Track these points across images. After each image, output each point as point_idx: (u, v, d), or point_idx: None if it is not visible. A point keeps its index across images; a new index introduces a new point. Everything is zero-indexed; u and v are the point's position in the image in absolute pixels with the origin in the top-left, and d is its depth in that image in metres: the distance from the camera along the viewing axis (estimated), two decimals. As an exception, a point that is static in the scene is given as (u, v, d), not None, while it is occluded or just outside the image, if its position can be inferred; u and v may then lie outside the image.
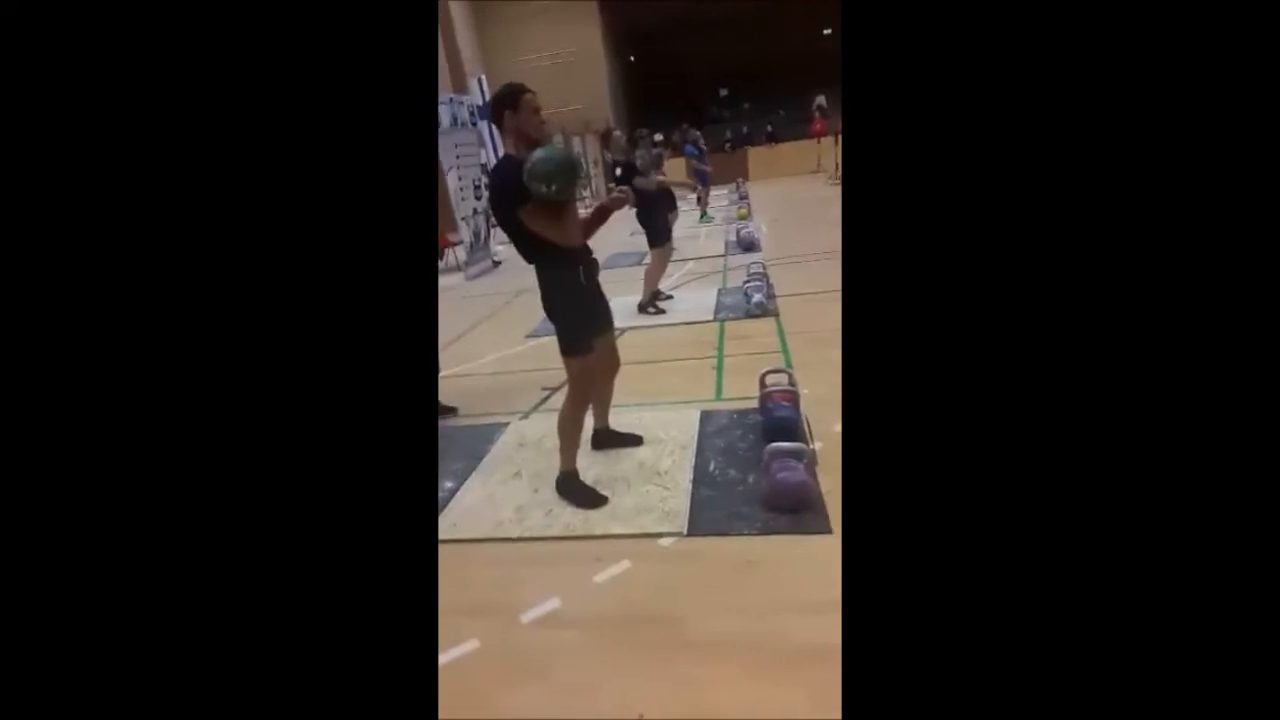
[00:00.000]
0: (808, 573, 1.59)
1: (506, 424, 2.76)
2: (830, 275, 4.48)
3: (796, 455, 1.89)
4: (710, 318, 3.96)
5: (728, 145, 15.40)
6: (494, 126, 1.94)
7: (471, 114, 7.26)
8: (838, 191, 8.40)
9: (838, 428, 2.24)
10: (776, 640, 1.41)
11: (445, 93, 7.68)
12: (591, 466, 2.21)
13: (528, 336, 4.11)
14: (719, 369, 3.11)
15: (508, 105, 1.79)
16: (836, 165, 10.94)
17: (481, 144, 7.69)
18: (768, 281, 4.22)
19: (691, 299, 4.48)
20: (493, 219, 7.36)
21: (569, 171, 1.65)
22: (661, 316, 4.14)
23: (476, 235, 6.96)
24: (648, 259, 4.43)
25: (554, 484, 2.10)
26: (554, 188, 1.64)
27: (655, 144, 5.31)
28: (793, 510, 1.83)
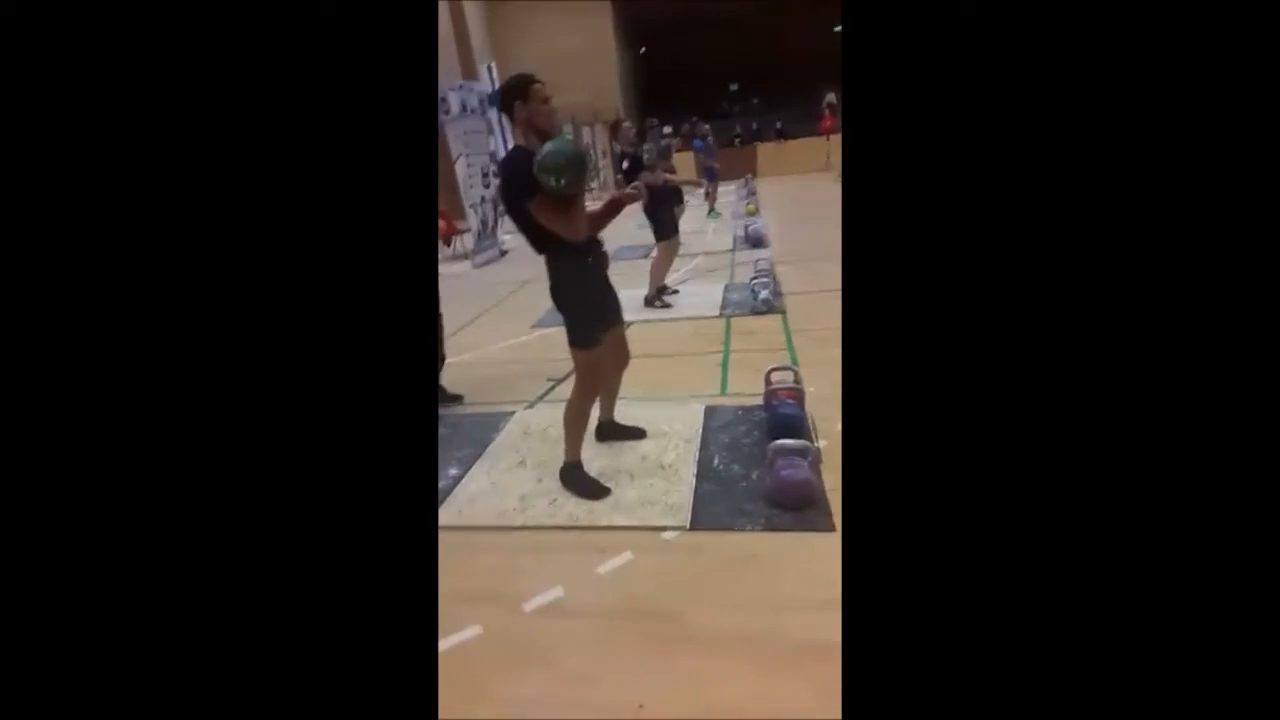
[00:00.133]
0: (811, 570, 1.60)
1: (512, 413, 2.77)
2: (837, 273, 4.47)
3: (801, 453, 1.89)
4: (716, 313, 3.96)
5: (737, 140, 15.35)
6: (504, 115, 1.94)
7: (481, 101, 7.24)
8: (847, 190, 8.33)
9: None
10: (778, 636, 1.41)
11: (455, 79, 7.66)
12: (596, 458, 2.21)
13: (534, 326, 4.12)
14: (724, 365, 3.11)
15: (518, 95, 1.79)
16: (846, 163, 10.84)
17: (490, 131, 7.67)
18: (775, 278, 4.22)
19: (698, 294, 4.47)
20: (501, 207, 7.36)
21: (578, 165, 1.66)
22: (667, 311, 4.14)
23: (484, 223, 6.95)
24: (654, 253, 4.42)
25: (558, 474, 2.11)
26: (563, 181, 1.64)
27: (664, 135, 5.29)
28: (796, 508, 1.83)
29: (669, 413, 2.55)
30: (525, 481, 2.18)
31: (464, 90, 6.94)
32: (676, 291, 4.50)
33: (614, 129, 4.29)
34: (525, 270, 5.73)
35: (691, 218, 6.65)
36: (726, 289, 4.51)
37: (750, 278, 4.21)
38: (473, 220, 6.76)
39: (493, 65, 8.41)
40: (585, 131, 13.01)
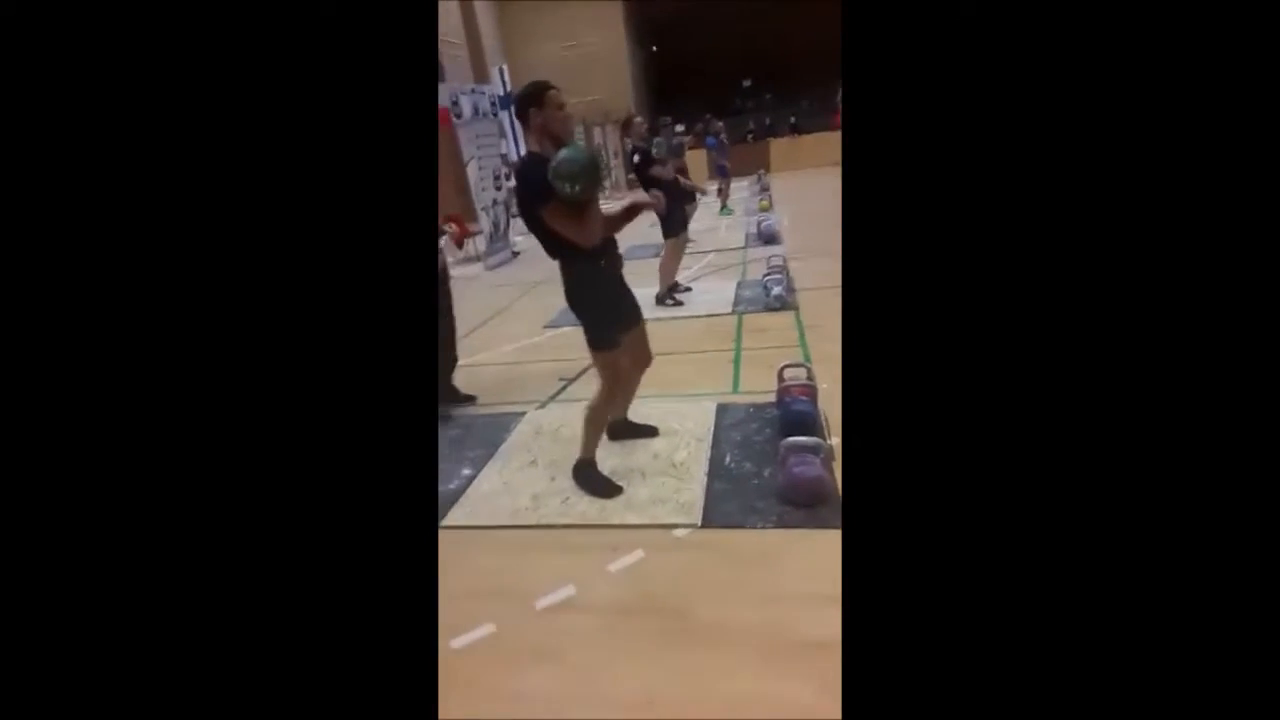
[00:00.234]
0: (822, 567, 1.59)
1: (523, 413, 2.78)
2: (851, 269, 4.42)
3: (813, 450, 1.87)
4: (729, 310, 3.94)
5: (750, 136, 15.25)
6: (516, 120, 1.96)
7: (493, 104, 7.28)
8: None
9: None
10: (789, 633, 1.41)
11: (467, 83, 7.71)
12: (608, 457, 2.21)
13: (546, 327, 4.14)
14: (736, 362, 3.09)
15: (533, 103, 1.81)
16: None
17: (502, 134, 7.72)
18: (788, 275, 4.19)
19: (710, 291, 4.46)
20: (513, 210, 7.41)
21: (592, 172, 1.68)
22: (679, 308, 4.13)
23: (496, 225, 6.99)
24: (662, 250, 4.41)
25: (570, 471, 2.12)
26: (577, 188, 1.66)
27: (676, 133, 5.27)
28: (809, 505, 1.82)
29: (681, 410, 2.55)
30: (538, 481, 2.19)
31: (476, 94, 6.98)
32: (689, 289, 4.49)
33: (626, 125, 4.30)
34: (537, 272, 5.76)
35: (703, 214, 6.63)
36: (739, 286, 4.49)
37: (763, 274, 4.18)
38: (484, 223, 6.81)
39: (504, 68, 8.47)
40: (596, 132, 13.03)
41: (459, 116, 6.53)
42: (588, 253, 1.83)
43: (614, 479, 2.08)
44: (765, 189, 8.85)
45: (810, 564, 1.62)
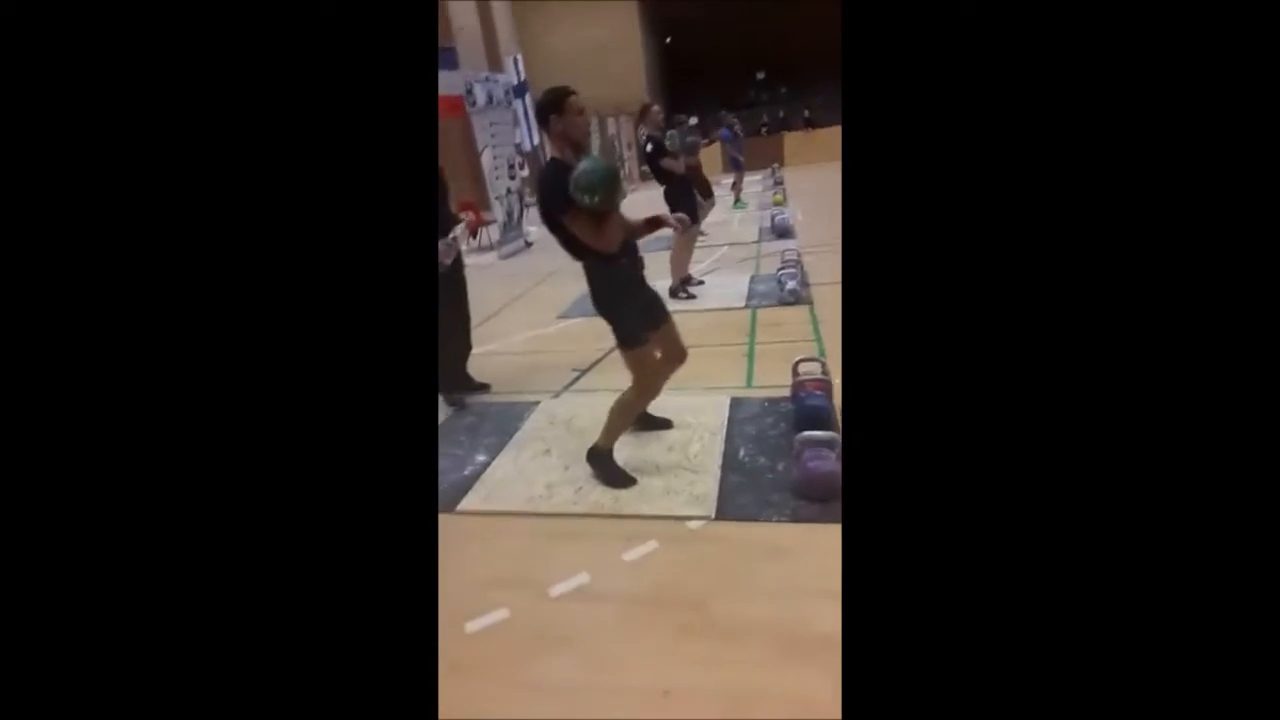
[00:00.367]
0: (837, 561, 1.58)
1: (537, 403, 2.79)
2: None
3: (828, 444, 1.87)
4: (742, 304, 3.93)
5: (764, 130, 15.14)
6: (533, 118, 1.98)
7: (507, 93, 7.27)
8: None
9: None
10: (802, 625, 1.41)
11: (481, 71, 7.70)
12: (621, 448, 2.22)
13: (559, 317, 4.14)
14: (750, 356, 3.09)
15: (553, 109, 1.83)
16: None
17: (515, 123, 7.69)
18: (802, 269, 4.16)
19: (723, 285, 4.44)
20: (526, 199, 7.40)
21: (612, 184, 1.71)
22: (692, 302, 4.12)
23: (510, 214, 7.00)
24: (672, 243, 4.39)
25: (584, 462, 2.12)
26: (596, 199, 1.69)
27: (691, 128, 5.22)
28: (823, 499, 1.82)
29: (695, 404, 2.55)
30: (551, 469, 2.20)
31: (490, 82, 6.96)
32: (701, 282, 4.47)
33: (642, 113, 4.27)
34: (550, 261, 5.75)
35: (717, 208, 6.57)
36: (752, 280, 4.47)
37: (777, 268, 4.16)
38: (498, 212, 6.81)
39: (518, 57, 8.43)
40: (609, 124, 12.97)
41: (473, 105, 6.52)
42: (609, 255, 1.85)
43: (628, 470, 2.08)
44: (779, 183, 8.79)
45: (824, 558, 1.61)
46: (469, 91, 6.47)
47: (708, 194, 4.87)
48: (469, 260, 3.13)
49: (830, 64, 15.38)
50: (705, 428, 2.35)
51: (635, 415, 2.12)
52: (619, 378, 2.18)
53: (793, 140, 14.03)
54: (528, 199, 7.53)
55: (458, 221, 2.85)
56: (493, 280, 5.57)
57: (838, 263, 4.57)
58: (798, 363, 2.39)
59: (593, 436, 2.12)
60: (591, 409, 2.48)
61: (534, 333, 3.90)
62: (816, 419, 2.10)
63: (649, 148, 4.05)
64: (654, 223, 2.01)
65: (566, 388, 2.96)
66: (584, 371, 3.11)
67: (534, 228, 7.26)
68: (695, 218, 4.34)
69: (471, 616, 1.54)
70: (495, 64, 10.32)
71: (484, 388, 2.99)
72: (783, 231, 5.87)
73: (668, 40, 18.23)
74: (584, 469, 2.13)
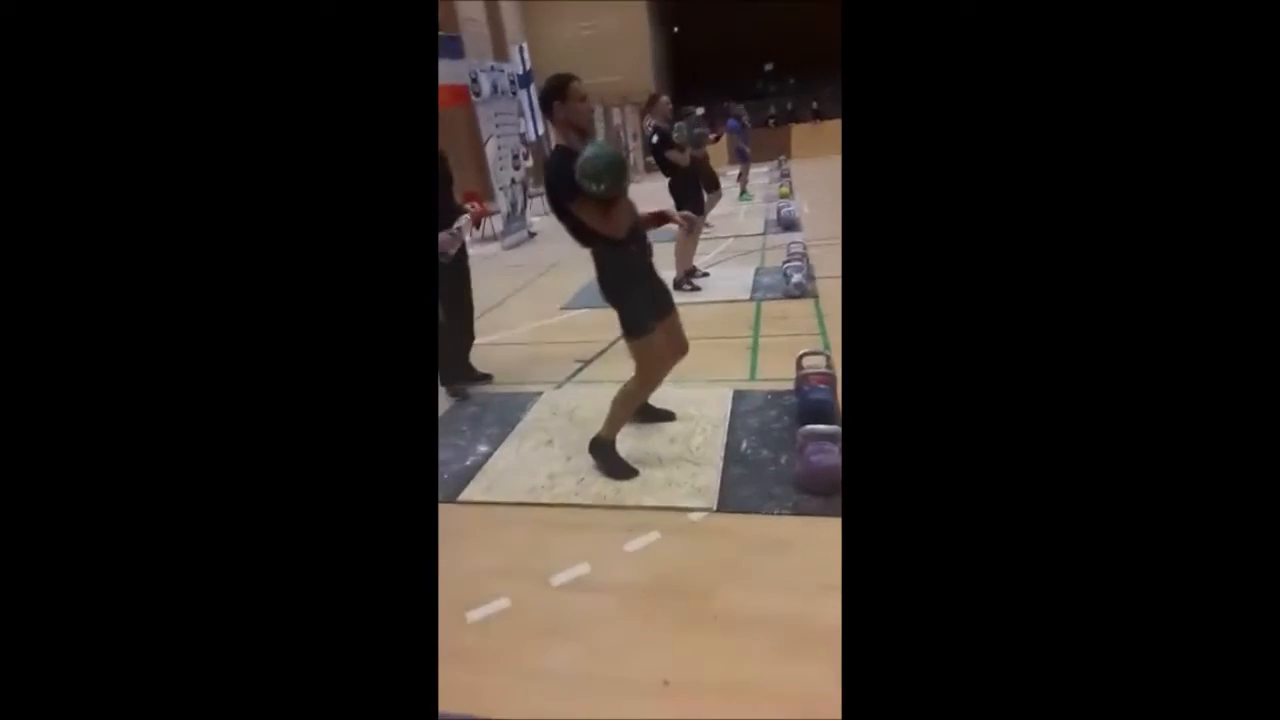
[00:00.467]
0: (837, 554, 1.58)
1: (540, 393, 2.79)
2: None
3: (832, 438, 1.86)
4: (747, 297, 3.91)
5: (771, 121, 15.04)
6: (538, 109, 1.99)
7: (512, 82, 7.22)
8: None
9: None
10: (804, 618, 1.41)
11: (487, 60, 7.65)
12: (623, 440, 2.21)
13: (563, 308, 4.13)
14: (754, 349, 3.07)
15: (556, 96, 1.82)
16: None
17: (521, 113, 7.65)
18: (808, 262, 4.14)
19: (728, 278, 4.42)
20: (530, 189, 7.38)
21: (617, 171, 1.70)
22: (696, 294, 4.10)
23: (514, 205, 6.97)
24: (676, 235, 4.37)
25: (586, 452, 2.12)
26: (603, 186, 1.69)
27: (698, 121, 5.17)
28: (826, 493, 1.81)
29: (697, 396, 2.54)
30: (554, 460, 2.20)
31: (495, 72, 6.92)
32: (706, 274, 4.45)
33: (650, 103, 4.23)
34: (554, 252, 5.74)
35: (722, 200, 6.54)
36: (757, 272, 4.44)
37: (783, 261, 4.13)
38: (502, 202, 6.78)
39: (524, 46, 8.37)
40: (615, 113, 12.89)
41: (478, 94, 6.48)
42: (618, 242, 1.83)
43: (630, 461, 2.08)
44: (785, 175, 8.73)
45: (826, 551, 1.61)
46: (474, 81, 6.43)
47: (714, 186, 4.84)
48: (472, 251, 3.12)
49: (839, 57, 15.23)
50: (708, 420, 2.35)
51: (637, 405, 2.11)
52: (622, 369, 2.17)
53: (800, 132, 13.92)
54: (531, 190, 7.50)
55: (462, 212, 2.84)
56: (496, 271, 5.56)
57: (844, 256, 4.54)
58: (802, 356, 2.38)
59: (595, 427, 2.11)
60: (594, 400, 2.48)
61: (537, 323, 3.89)
62: (820, 412, 2.09)
63: (655, 139, 4.02)
64: (659, 218, 2.02)
65: (569, 379, 2.96)
66: (587, 363, 3.11)
67: (537, 218, 7.26)
68: (700, 210, 4.32)
69: (473, 606, 1.54)
70: (501, 54, 10.27)
71: (487, 378, 2.99)
72: (789, 224, 5.84)
73: (675, 31, 18.09)
74: (586, 460, 2.12)
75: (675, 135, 4.01)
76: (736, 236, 5.87)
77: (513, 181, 6.94)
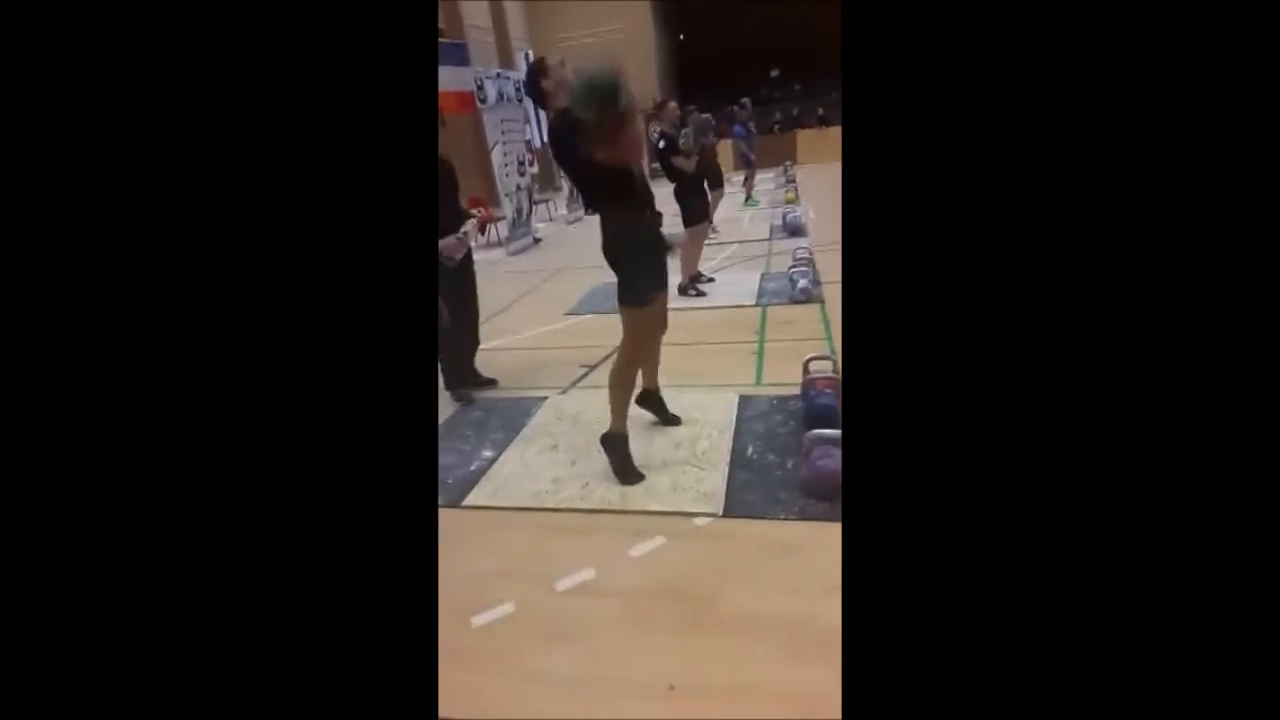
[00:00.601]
0: (845, 561, 1.57)
1: (544, 398, 2.79)
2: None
3: (837, 443, 1.85)
4: (753, 302, 3.90)
5: (776, 127, 15.05)
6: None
7: (517, 89, 7.27)
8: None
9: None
10: (810, 622, 1.40)
11: (493, 67, 7.71)
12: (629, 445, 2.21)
13: (567, 313, 4.14)
14: (759, 354, 3.07)
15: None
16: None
17: (526, 120, 7.69)
18: (813, 267, 4.13)
19: (734, 283, 4.41)
20: (535, 196, 7.40)
21: (611, 83, 1.62)
22: (702, 299, 4.10)
23: (519, 211, 7.00)
24: (683, 239, 4.37)
25: (591, 457, 2.12)
26: (598, 104, 1.61)
27: (705, 123, 5.18)
28: (831, 498, 1.80)
29: (703, 401, 2.54)
30: (558, 465, 2.20)
31: (500, 78, 6.97)
32: (712, 279, 4.45)
33: (658, 109, 4.24)
34: (559, 258, 5.76)
35: (727, 205, 6.55)
36: (763, 278, 4.44)
37: (789, 266, 4.13)
38: (507, 208, 6.81)
39: (529, 53, 8.43)
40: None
41: (483, 101, 6.52)
42: (631, 204, 1.81)
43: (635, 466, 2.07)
44: (791, 180, 8.73)
45: (831, 555, 1.59)
46: (480, 87, 6.47)
47: (719, 183, 4.84)
48: (478, 256, 3.13)
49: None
50: (713, 425, 2.34)
51: (632, 383, 2.07)
52: (627, 373, 2.16)
53: (806, 138, 13.92)
54: (537, 196, 7.53)
55: (468, 217, 2.85)
56: (501, 276, 5.58)
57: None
58: (808, 361, 2.37)
59: (600, 432, 2.11)
60: (599, 405, 2.47)
61: (542, 329, 3.90)
62: (826, 417, 2.09)
63: (661, 144, 4.03)
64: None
65: (574, 384, 2.96)
66: (592, 368, 3.11)
67: (543, 225, 7.28)
68: (706, 217, 4.32)
69: (477, 610, 1.54)
70: (507, 60, 10.33)
71: (491, 383, 3.00)
72: (795, 229, 5.84)
73: (680, 37, 18.17)
74: (591, 464, 2.12)
75: (681, 141, 4.02)
76: (742, 242, 5.87)
77: (518, 187, 6.97)
